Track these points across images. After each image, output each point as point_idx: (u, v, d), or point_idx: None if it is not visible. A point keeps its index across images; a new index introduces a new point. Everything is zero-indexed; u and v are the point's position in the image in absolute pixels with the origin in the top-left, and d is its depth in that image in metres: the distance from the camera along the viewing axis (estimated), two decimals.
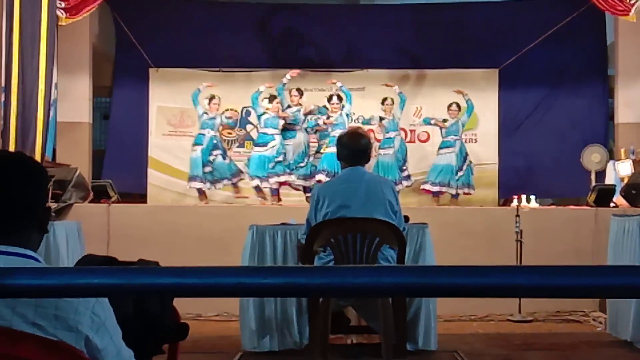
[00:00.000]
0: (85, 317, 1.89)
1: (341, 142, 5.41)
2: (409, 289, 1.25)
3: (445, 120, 10.92)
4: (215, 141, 10.50)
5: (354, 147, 5.29)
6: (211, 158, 10.43)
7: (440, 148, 10.92)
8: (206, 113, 10.51)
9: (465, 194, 10.86)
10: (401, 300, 5.26)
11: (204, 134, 10.43)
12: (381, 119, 10.91)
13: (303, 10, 12.35)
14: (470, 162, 10.93)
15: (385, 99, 10.88)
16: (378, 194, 5.19)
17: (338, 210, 5.08)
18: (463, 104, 10.82)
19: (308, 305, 5.48)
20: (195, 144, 10.50)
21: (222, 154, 10.59)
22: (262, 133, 10.35)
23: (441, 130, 10.96)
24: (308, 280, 1.16)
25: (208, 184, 10.47)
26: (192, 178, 10.47)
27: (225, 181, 10.67)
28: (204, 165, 10.36)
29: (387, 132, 10.79)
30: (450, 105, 10.89)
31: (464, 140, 11.01)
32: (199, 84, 11.28)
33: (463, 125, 10.89)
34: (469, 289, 1.13)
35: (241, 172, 10.76)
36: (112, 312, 1.97)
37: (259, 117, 10.46)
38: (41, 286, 1.19)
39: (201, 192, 10.47)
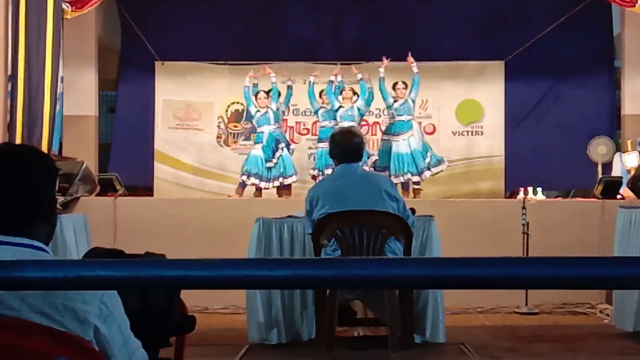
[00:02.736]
0: (93, 306, 1.90)
1: (334, 140, 5.49)
2: (416, 281, 1.26)
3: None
4: (277, 136, 10.09)
5: (347, 145, 5.36)
6: (277, 153, 10.02)
7: (394, 133, 10.08)
8: (259, 111, 10.13)
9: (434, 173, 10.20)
10: (408, 293, 5.27)
11: (262, 132, 10.08)
12: (389, 107, 10.26)
13: (310, 2, 12.34)
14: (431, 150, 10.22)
15: (396, 83, 10.21)
16: (373, 184, 5.24)
17: (336, 206, 5.10)
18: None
19: (315, 297, 5.51)
20: (256, 142, 10.20)
21: (286, 146, 10.18)
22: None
23: (390, 111, 10.23)
24: (315, 272, 1.16)
25: (264, 183, 10.00)
26: (247, 174, 10.02)
27: (282, 179, 10.06)
28: (266, 161, 9.97)
29: (400, 115, 10.03)
30: (395, 84, 10.19)
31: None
32: (205, 77, 11.30)
33: (414, 102, 10.15)
34: (475, 281, 1.13)
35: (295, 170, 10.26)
36: (120, 302, 1.99)
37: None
38: (49, 279, 1.19)
39: (257, 189, 10.08)
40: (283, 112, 10.43)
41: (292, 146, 10.56)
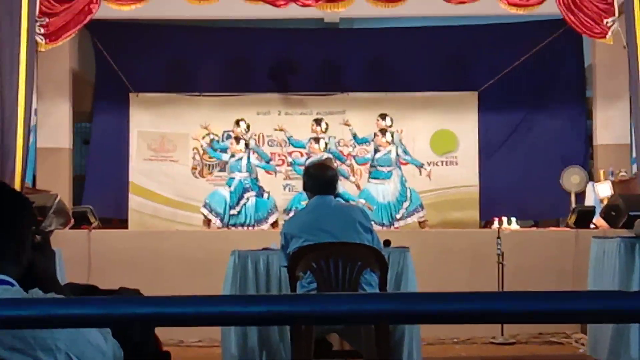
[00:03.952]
0: (61, 333, 1.90)
1: (308, 173, 5.52)
2: (391, 316, 1.25)
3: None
4: (246, 184, 10.09)
5: (321, 178, 5.37)
6: (242, 202, 10.02)
7: (374, 178, 10.31)
8: (232, 156, 10.20)
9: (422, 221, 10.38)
10: (384, 325, 5.25)
11: (233, 178, 10.14)
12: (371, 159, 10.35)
13: (283, 34, 12.40)
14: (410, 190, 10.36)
15: (380, 133, 10.33)
16: (347, 216, 5.25)
17: (311, 239, 5.10)
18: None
19: (291, 330, 5.47)
20: (227, 184, 10.22)
21: (256, 195, 10.12)
22: None
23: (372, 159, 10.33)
24: (290, 308, 1.16)
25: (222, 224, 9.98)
26: (209, 208, 10.06)
27: (260, 225, 10.00)
28: (230, 207, 9.97)
29: (382, 166, 10.21)
30: (377, 134, 10.32)
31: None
32: (180, 109, 11.34)
33: (398, 155, 10.31)
34: (450, 316, 1.13)
35: (275, 208, 10.31)
36: None
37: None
38: (20, 317, 1.18)
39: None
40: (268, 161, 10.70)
41: (268, 187, 10.53)
